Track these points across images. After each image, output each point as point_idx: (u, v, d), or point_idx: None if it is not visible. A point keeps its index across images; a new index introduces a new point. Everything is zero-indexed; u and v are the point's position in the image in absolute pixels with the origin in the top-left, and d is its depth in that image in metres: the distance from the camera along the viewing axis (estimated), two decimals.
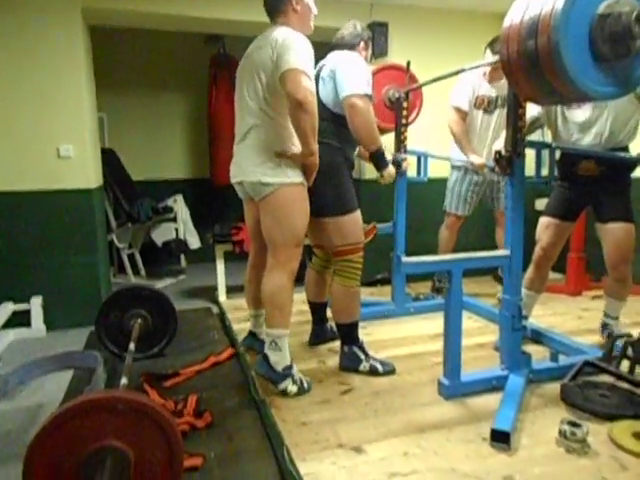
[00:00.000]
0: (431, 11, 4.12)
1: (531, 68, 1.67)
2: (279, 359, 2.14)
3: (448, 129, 3.39)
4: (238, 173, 2.18)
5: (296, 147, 2.08)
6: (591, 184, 2.45)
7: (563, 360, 2.29)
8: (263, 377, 2.18)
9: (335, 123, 2.33)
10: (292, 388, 2.15)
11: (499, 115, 3.34)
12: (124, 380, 2.01)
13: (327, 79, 2.33)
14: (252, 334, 2.65)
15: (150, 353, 2.76)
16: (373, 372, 2.36)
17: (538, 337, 2.70)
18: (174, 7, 3.56)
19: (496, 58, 2.03)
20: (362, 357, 2.39)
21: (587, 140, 2.44)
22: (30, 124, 3.27)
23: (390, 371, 2.37)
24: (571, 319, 3.17)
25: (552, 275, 4.14)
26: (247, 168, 2.10)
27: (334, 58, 2.38)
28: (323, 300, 2.74)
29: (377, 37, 3.93)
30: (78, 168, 3.39)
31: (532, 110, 2.50)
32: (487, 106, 3.36)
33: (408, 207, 3.22)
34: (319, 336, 2.78)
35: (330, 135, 2.33)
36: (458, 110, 3.35)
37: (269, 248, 2.17)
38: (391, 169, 2.47)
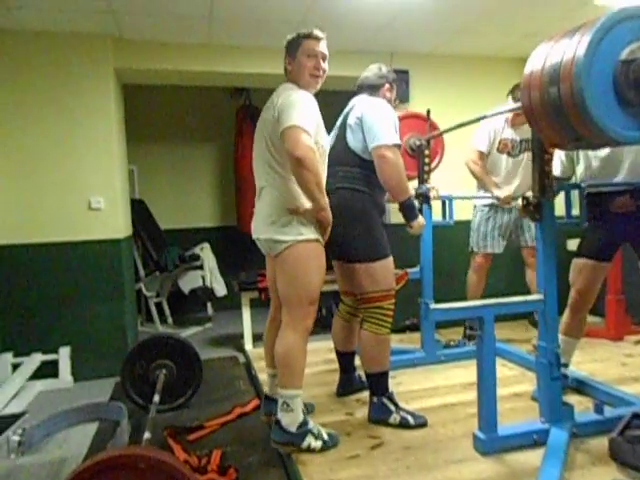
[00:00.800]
0: (451, 58, 4.20)
1: (555, 115, 1.64)
2: (291, 420, 2.04)
3: (468, 171, 3.39)
4: (255, 230, 2.18)
5: (307, 204, 2.05)
6: (627, 221, 2.35)
7: (609, 412, 2.14)
8: (281, 444, 2.06)
9: (365, 169, 2.32)
10: (316, 444, 2.06)
11: (528, 158, 3.30)
12: (147, 435, 1.96)
13: (354, 127, 2.33)
14: (268, 398, 2.43)
15: (175, 404, 2.72)
16: (404, 425, 2.25)
17: (579, 386, 2.55)
18: (201, 64, 3.73)
19: (517, 105, 2.02)
20: (392, 409, 2.29)
21: (622, 174, 2.36)
22: (63, 177, 3.41)
23: (422, 424, 2.26)
24: (614, 366, 2.99)
25: (591, 319, 3.99)
26: (261, 226, 2.10)
27: (361, 104, 2.38)
28: (351, 349, 2.66)
29: (398, 84, 3.98)
30: (108, 219, 3.49)
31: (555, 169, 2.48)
32: (511, 149, 3.37)
33: (435, 251, 3.17)
34: (347, 386, 2.68)
35: (360, 182, 2.32)
36: (477, 152, 3.38)
37: (283, 305, 2.12)
38: (421, 220, 2.41)
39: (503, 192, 3.23)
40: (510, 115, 3.30)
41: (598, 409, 2.11)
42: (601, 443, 1.98)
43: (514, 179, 3.38)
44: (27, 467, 2.24)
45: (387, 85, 2.50)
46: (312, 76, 2.09)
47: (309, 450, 2.05)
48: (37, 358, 3.29)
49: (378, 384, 2.34)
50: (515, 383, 2.74)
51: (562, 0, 3.19)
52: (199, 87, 4.62)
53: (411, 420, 2.26)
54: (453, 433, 2.18)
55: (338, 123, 2.47)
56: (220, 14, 3.21)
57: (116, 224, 3.53)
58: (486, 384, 1.97)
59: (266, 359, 2.43)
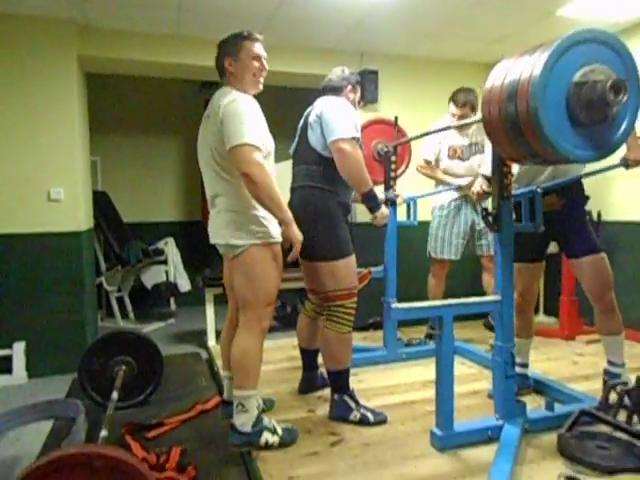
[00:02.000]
0: (419, 60, 4.26)
1: (512, 131, 1.72)
2: (246, 420, 2.02)
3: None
4: (213, 235, 2.15)
5: (260, 208, 2.03)
6: (553, 220, 2.44)
7: (559, 409, 2.23)
8: (239, 446, 2.04)
9: (327, 167, 2.33)
10: (273, 439, 2.06)
11: (480, 160, 3.37)
12: (104, 432, 1.93)
13: (314, 125, 2.35)
14: (226, 403, 2.41)
15: (134, 401, 2.67)
16: (364, 422, 2.28)
17: (534, 385, 2.64)
18: (169, 56, 3.66)
19: (478, 117, 2.07)
20: (353, 406, 2.32)
21: (545, 174, 2.47)
22: (21, 167, 3.29)
23: (382, 421, 2.30)
24: (566, 365, 3.12)
25: (545, 319, 4.15)
26: (217, 231, 2.09)
27: (321, 103, 2.41)
28: (315, 346, 2.67)
29: (368, 84, 4.04)
30: (68, 211, 3.39)
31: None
32: (461, 154, 3.46)
33: (399, 251, 3.22)
34: (309, 384, 2.70)
35: (321, 179, 2.33)
36: (423, 160, 3.54)
37: (240, 307, 2.11)
38: (384, 209, 2.44)
39: (464, 180, 3.32)
40: (455, 121, 3.36)
41: (549, 406, 2.19)
42: (551, 438, 2.06)
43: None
44: None
45: (349, 87, 2.53)
46: (256, 77, 2.09)
47: (267, 446, 2.05)
48: None
49: (339, 381, 2.36)
50: (473, 381, 2.82)
51: (527, 9, 3.29)
52: (166, 79, 4.53)
53: (371, 417, 2.29)
54: (411, 430, 2.23)
55: (301, 123, 2.48)
56: (189, 5, 3.16)
57: (76, 216, 3.43)
58: (444, 382, 2.02)
59: (223, 362, 2.41)
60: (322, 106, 2.37)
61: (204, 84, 5.12)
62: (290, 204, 2.33)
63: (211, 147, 2.02)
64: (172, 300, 5.21)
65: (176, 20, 3.40)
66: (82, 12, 3.23)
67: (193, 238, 5.38)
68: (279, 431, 2.10)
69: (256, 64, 2.07)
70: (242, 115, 1.91)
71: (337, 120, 2.26)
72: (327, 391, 2.49)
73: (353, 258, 2.37)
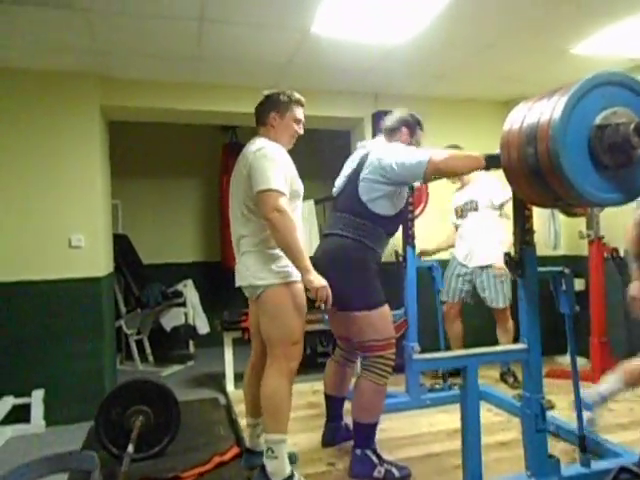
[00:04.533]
0: (433, 100, 4.27)
1: (532, 174, 1.68)
2: (277, 469, 1.99)
3: None
4: (237, 278, 2.22)
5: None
6: None
7: (595, 464, 2.10)
8: None
9: (372, 223, 2.29)
10: None
11: (474, 218, 3.53)
12: None
13: (367, 180, 2.29)
14: (249, 451, 2.39)
15: (151, 453, 2.61)
16: (388, 478, 2.18)
17: (566, 435, 2.50)
18: (188, 103, 3.76)
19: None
20: (376, 461, 2.22)
21: None
22: (43, 214, 3.35)
23: (406, 476, 2.20)
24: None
25: (577, 360, 3.97)
26: (241, 273, 2.15)
27: (377, 151, 2.35)
28: (342, 395, 2.60)
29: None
30: (88, 257, 3.42)
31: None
32: (461, 213, 3.62)
33: (418, 292, 3.16)
34: (334, 435, 2.59)
35: (363, 233, 2.28)
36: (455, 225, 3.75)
37: (267, 347, 2.13)
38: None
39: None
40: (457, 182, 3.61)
41: (584, 462, 2.06)
42: None
43: (468, 239, 3.56)
44: None
45: (404, 129, 2.50)
46: (292, 138, 2.26)
47: None
48: (9, 402, 3.16)
49: (366, 435, 2.27)
50: (501, 430, 2.69)
51: (540, 49, 3.29)
52: (186, 124, 4.64)
53: (396, 473, 2.19)
54: None
55: (350, 169, 2.43)
56: (207, 54, 3.25)
57: (96, 262, 3.46)
58: (470, 436, 1.92)
59: (246, 408, 2.37)
60: (379, 154, 2.32)
61: (222, 128, 5.23)
62: (321, 248, 2.37)
63: (241, 191, 2.12)
64: (191, 342, 5.17)
65: (195, 69, 3.50)
66: (104, 64, 3.34)
67: (212, 279, 5.38)
68: None
69: (296, 127, 2.24)
70: (270, 162, 2.03)
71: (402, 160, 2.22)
72: (348, 443, 2.40)
73: (387, 308, 2.31)
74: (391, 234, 2.46)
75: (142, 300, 4.56)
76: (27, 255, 3.30)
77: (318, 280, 2.00)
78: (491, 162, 2.09)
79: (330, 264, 2.22)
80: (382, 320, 2.26)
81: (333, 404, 2.61)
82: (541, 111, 1.65)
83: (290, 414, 2.07)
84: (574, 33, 3.05)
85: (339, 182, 2.50)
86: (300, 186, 2.18)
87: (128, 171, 5.15)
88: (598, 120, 1.61)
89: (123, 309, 4.62)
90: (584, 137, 1.61)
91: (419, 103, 4.23)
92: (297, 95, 2.24)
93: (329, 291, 2.01)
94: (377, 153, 2.33)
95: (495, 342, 3.42)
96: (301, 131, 2.27)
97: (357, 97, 4.08)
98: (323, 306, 2.02)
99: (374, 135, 4.11)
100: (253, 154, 2.06)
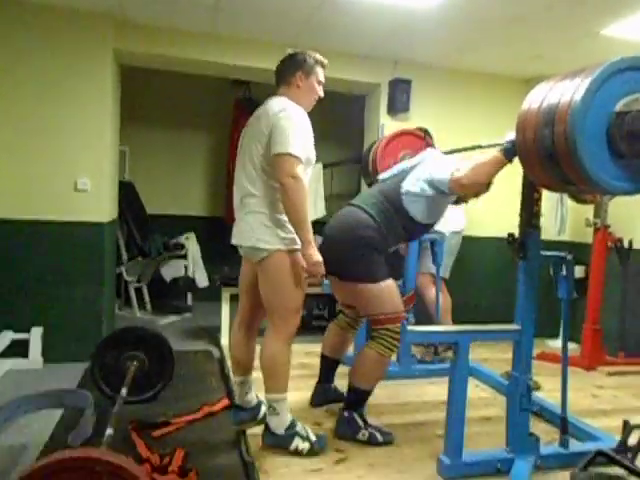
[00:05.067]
0: (453, 72, 4.18)
1: (546, 157, 1.64)
2: (279, 422, 2.09)
3: None
4: (237, 237, 2.19)
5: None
6: None
7: (574, 446, 2.15)
8: (273, 447, 2.11)
9: (399, 219, 2.31)
10: (303, 445, 2.10)
11: None
12: (109, 431, 1.93)
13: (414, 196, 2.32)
14: (238, 407, 2.41)
15: (143, 397, 2.68)
16: (372, 441, 2.24)
17: (548, 416, 2.56)
18: (203, 53, 3.68)
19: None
20: (361, 424, 2.28)
21: None
22: (52, 155, 3.33)
23: (389, 441, 2.26)
24: (584, 397, 3.01)
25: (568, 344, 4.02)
26: (244, 233, 2.12)
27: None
28: (338, 357, 2.66)
29: (399, 93, 3.98)
30: (93, 201, 3.42)
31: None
32: None
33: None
34: (322, 397, 2.66)
35: (385, 222, 2.29)
36: None
37: (267, 313, 2.16)
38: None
39: None
40: None
41: (564, 443, 2.12)
42: (564, 477, 1.98)
43: None
44: None
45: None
46: (314, 100, 2.23)
47: (297, 452, 2.08)
48: (8, 336, 3.23)
49: (358, 400, 2.33)
50: (485, 406, 2.75)
51: (569, 28, 3.19)
52: (198, 75, 4.55)
53: (379, 437, 2.25)
54: (419, 454, 2.18)
55: (410, 164, 2.46)
56: (226, 4, 3.16)
57: (101, 207, 3.47)
58: (455, 409, 1.97)
59: (233, 366, 2.40)
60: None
61: (235, 82, 5.12)
62: (340, 215, 2.38)
63: (255, 148, 2.08)
64: (189, 295, 5.23)
65: (212, 19, 3.40)
66: (119, 6, 3.25)
67: (214, 234, 5.39)
68: (311, 437, 2.13)
69: (319, 89, 2.23)
70: (294, 126, 2.00)
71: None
72: (334, 405, 2.46)
73: (392, 282, 2.32)
74: (405, 239, 2.49)
75: (144, 249, 4.59)
76: (32, 195, 3.31)
77: (316, 255, 2.01)
78: (510, 154, 2.05)
79: (342, 232, 2.26)
80: (388, 293, 2.26)
81: (328, 365, 2.66)
82: (562, 92, 1.61)
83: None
84: (610, 13, 2.94)
85: (390, 171, 2.53)
86: (313, 154, 2.15)
87: (138, 118, 5.10)
88: (618, 107, 1.57)
89: (125, 256, 4.66)
90: (603, 123, 1.57)
91: (439, 74, 4.16)
92: (321, 57, 2.23)
93: (322, 269, 2.02)
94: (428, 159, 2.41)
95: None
96: (322, 94, 2.24)
97: (376, 62, 3.98)
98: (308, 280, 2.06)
99: (390, 102, 4.05)
100: (277, 114, 2.02)
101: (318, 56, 2.22)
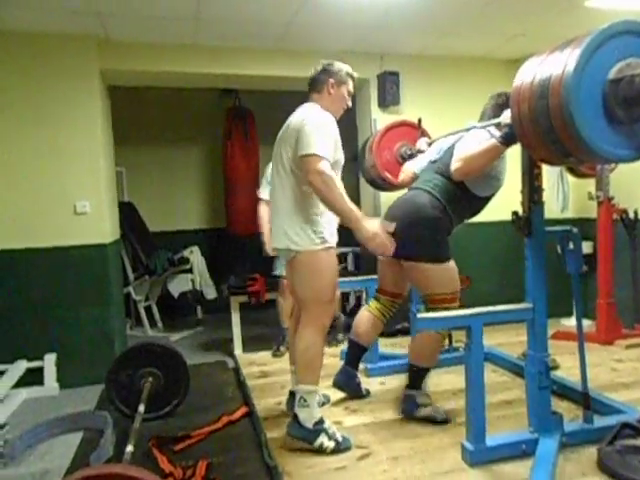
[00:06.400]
0: (440, 59, 4.17)
1: (543, 130, 1.62)
2: (307, 416, 2.11)
3: None
4: (274, 240, 2.29)
5: (321, 211, 2.15)
6: None
7: (599, 421, 2.12)
8: (297, 438, 2.12)
9: (460, 194, 2.38)
10: (328, 444, 2.10)
11: None
12: (129, 448, 1.92)
13: None
14: (292, 394, 2.44)
15: (161, 413, 2.67)
16: (431, 419, 2.34)
17: (569, 393, 2.52)
18: (188, 65, 3.69)
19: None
20: (422, 402, 2.38)
21: None
22: (48, 181, 3.34)
23: (445, 421, 2.34)
24: (604, 372, 2.97)
25: (583, 322, 3.97)
26: (278, 235, 2.22)
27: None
28: (366, 343, 2.67)
29: (389, 86, 3.98)
30: (94, 223, 3.43)
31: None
32: None
33: None
34: (345, 379, 2.65)
35: (447, 198, 2.36)
36: None
37: (301, 305, 2.24)
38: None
39: None
40: None
41: (587, 418, 2.09)
42: (591, 453, 1.96)
43: None
44: (6, 479, 2.20)
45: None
46: (342, 109, 2.34)
47: (321, 449, 2.09)
48: (22, 365, 3.23)
49: (418, 378, 2.43)
50: (505, 389, 2.72)
51: (552, 2, 3.17)
52: (187, 88, 4.56)
53: (438, 416, 2.35)
54: (441, 443, 2.16)
55: (441, 147, 2.56)
56: (206, 15, 3.16)
57: (102, 228, 3.47)
58: (474, 394, 1.94)
59: (290, 356, 2.52)
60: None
61: (224, 92, 5.13)
62: (404, 197, 2.47)
63: (285, 153, 2.18)
64: (199, 308, 5.23)
65: (194, 30, 3.41)
66: (102, 26, 3.26)
67: (218, 245, 5.41)
68: (338, 437, 2.14)
69: (348, 99, 2.34)
70: (319, 128, 2.08)
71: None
72: (354, 402, 2.46)
73: (454, 263, 2.39)
74: (469, 216, 2.53)
75: (150, 267, 4.59)
76: (33, 222, 3.32)
77: (370, 230, 2.05)
78: (508, 140, 2.07)
79: (408, 214, 2.33)
80: (452, 274, 2.36)
81: (354, 349, 2.68)
82: (553, 65, 1.58)
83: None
84: None
85: (445, 145, 2.56)
86: (341, 156, 2.22)
87: (132, 138, 5.11)
88: (612, 74, 1.54)
89: (131, 276, 4.67)
90: (598, 91, 1.55)
91: (425, 63, 4.15)
92: (352, 70, 2.35)
93: (383, 239, 2.07)
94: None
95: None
96: (350, 104, 2.36)
97: (362, 58, 3.97)
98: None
99: (380, 96, 4.05)
100: (304, 119, 2.11)
101: (350, 69, 2.34)
